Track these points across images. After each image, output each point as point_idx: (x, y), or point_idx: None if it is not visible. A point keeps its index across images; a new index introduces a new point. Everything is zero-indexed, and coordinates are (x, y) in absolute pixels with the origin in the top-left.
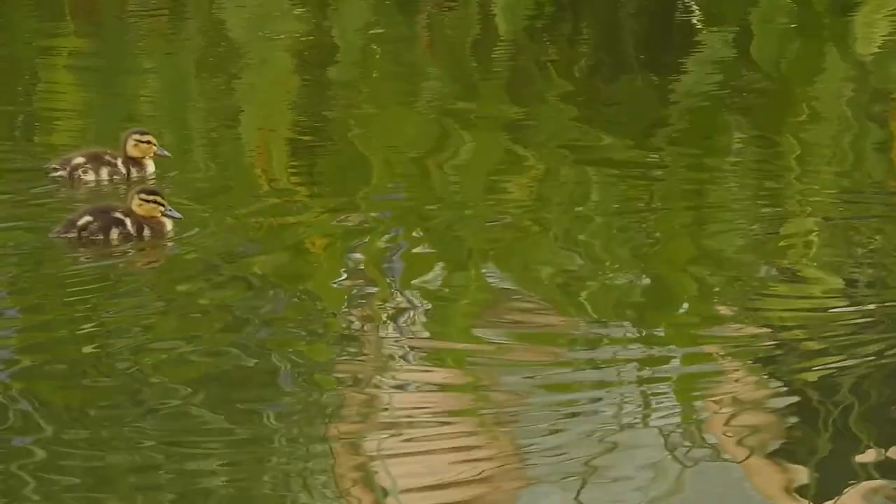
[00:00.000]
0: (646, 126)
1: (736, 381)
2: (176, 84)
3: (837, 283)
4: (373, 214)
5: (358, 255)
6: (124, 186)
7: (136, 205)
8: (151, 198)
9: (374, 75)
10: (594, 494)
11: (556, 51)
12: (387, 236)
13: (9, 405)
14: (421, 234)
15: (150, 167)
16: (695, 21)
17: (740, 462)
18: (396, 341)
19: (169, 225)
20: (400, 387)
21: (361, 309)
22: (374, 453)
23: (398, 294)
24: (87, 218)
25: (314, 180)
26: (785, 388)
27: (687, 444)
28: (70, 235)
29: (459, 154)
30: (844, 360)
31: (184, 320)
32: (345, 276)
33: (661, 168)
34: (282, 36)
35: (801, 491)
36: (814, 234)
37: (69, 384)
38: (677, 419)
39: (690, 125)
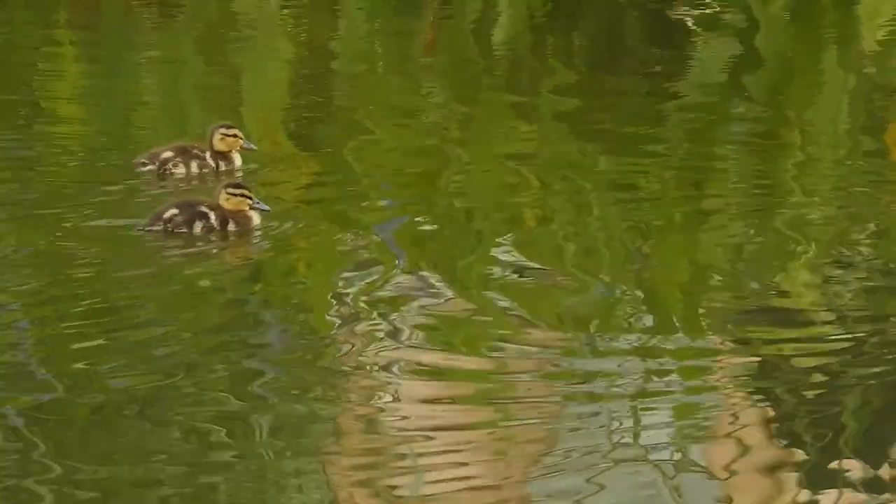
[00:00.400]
0: (644, 132)
1: (729, 398)
2: (175, 81)
3: (831, 294)
4: (373, 228)
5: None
6: (213, 180)
7: (224, 199)
8: (239, 191)
9: (378, 70)
10: None
11: (555, 56)
12: (386, 250)
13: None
14: (421, 244)
15: (238, 160)
16: (691, 24)
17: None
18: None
19: (256, 218)
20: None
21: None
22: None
23: (401, 306)
24: (173, 211)
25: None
26: (777, 404)
27: (676, 459)
28: (156, 228)
29: (460, 163)
30: (836, 376)
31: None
32: (343, 290)
33: (659, 174)
34: (281, 46)
35: None
36: (810, 243)
37: (68, 396)
38: (670, 434)
39: (687, 130)
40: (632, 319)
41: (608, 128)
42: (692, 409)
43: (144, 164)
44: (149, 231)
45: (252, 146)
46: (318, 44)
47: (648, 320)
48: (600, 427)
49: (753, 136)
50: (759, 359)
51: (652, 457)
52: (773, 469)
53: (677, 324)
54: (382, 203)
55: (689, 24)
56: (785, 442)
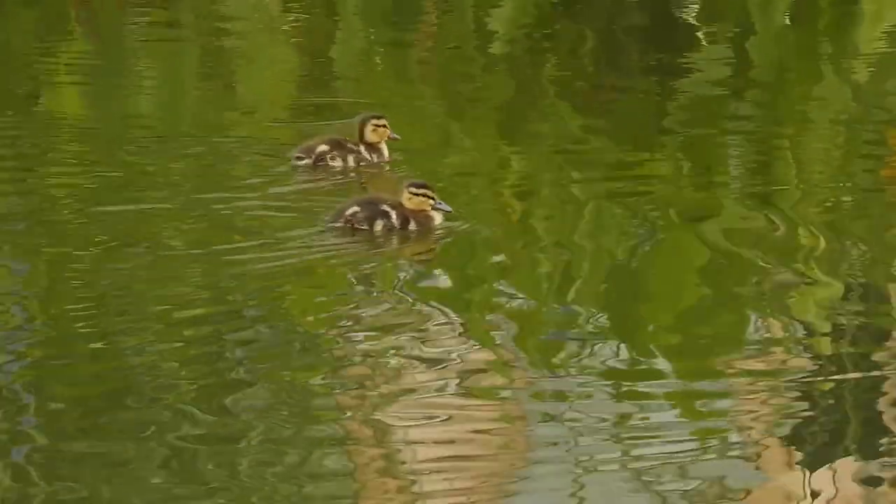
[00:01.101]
0: (645, 132)
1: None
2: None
3: (833, 293)
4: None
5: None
6: (368, 172)
7: (406, 198)
8: (421, 191)
9: (377, 69)
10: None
11: (554, 56)
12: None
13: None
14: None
15: (386, 151)
16: (693, 22)
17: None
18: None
19: (438, 218)
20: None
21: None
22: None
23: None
24: (355, 208)
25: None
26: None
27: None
28: (338, 224)
29: (461, 163)
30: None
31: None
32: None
33: (660, 175)
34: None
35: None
36: (812, 240)
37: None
38: (683, 433)
39: (689, 131)
40: (633, 319)
41: (606, 131)
42: (698, 411)
43: (300, 158)
44: (331, 227)
45: (396, 136)
46: (315, 42)
47: (651, 321)
48: (605, 428)
49: (751, 140)
50: (762, 361)
51: (659, 460)
52: (780, 471)
53: (679, 328)
54: None
55: (692, 22)
56: (790, 441)
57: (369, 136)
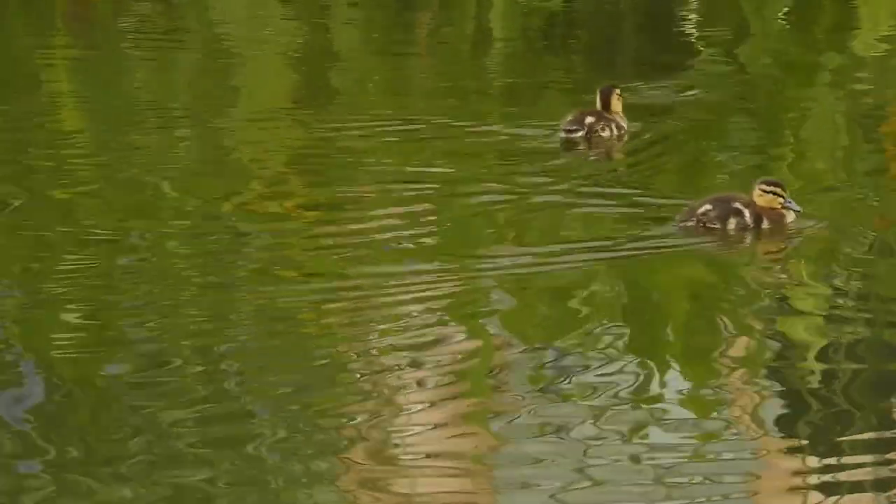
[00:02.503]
0: (643, 138)
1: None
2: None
3: (827, 294)
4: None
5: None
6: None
7: (757, 195)
8: (771, 189)
9: (373, 77)
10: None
11: (552, 61)
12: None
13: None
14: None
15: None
16: (691, 29)
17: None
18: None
19: (790, 217)
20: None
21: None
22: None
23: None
24: (707, 206)
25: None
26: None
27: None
28: (689, 224)
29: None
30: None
31: None
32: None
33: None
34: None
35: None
36: (806, 248)
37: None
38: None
39: (687, 135)
40: (633, 322)
41: None
42: (704, 409)
43: (573, 130)
44: (682, 227)
45: None
46: (312, 57)
47: (650, 324)
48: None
49: (750, 148)
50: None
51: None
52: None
53: (676, 337)
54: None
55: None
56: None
57: (615, 105)
